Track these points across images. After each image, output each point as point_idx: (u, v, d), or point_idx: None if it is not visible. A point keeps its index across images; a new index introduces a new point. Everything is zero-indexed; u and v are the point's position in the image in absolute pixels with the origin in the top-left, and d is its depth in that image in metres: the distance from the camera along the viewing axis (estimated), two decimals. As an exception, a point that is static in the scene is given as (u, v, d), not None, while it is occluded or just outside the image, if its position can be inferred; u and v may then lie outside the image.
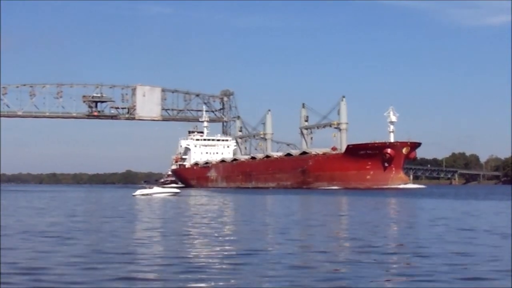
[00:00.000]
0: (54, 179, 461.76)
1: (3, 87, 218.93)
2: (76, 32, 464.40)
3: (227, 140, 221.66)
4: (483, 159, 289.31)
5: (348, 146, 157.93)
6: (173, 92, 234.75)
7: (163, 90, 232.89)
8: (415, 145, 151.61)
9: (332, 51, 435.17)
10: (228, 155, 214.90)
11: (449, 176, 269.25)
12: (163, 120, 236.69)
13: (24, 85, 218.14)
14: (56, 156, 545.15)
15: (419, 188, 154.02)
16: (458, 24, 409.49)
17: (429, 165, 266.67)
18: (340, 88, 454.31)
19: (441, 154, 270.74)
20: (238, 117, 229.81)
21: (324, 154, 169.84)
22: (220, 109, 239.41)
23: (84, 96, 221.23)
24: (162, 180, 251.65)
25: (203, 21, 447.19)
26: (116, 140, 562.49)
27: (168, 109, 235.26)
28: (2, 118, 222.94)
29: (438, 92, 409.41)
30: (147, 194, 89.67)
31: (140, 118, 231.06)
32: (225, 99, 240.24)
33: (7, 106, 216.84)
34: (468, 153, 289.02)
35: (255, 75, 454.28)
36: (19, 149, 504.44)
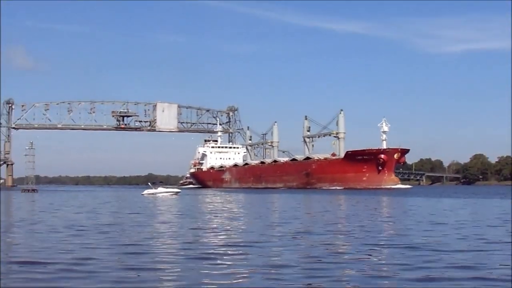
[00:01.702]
0: (88, 181, 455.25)
1: (46, 104, 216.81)
2: (106, 58, 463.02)
3: (237, 148, 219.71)
4: (446, 163, 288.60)
5: (347, 152, 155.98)
6: (187, 108, 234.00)
7: (179, 106, 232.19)
8: (404, 151, 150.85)
9: (328, 72, 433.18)
10: (239, 160, 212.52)
11: (418, 178, 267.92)
12: (179, 131, 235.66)
13: (63, 102, 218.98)
14: (89, 161, 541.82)
15: (408, 188, 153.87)
16: (422, 51, 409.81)
17: (401, 169, 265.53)
18: (337, 103, 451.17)
19: (411, 159, 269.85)
20: (248, 128, 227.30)
21: (325, 159, 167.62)
22: (227, 122, 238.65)
23: (113, 112, 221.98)
24: (181, 182, 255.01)
25: (213, 47, 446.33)
26: (140, 148, 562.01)
27: (183, 122, 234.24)
28: (45, 130, 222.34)
29: (407, 109, 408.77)
30: (153, 194, 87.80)
31: (160, 130, 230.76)
32: (231, 113, 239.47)
33: (49, 120, 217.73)
34: (433, 159, 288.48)
35: (263, 92, 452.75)
36: (58, 156, 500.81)
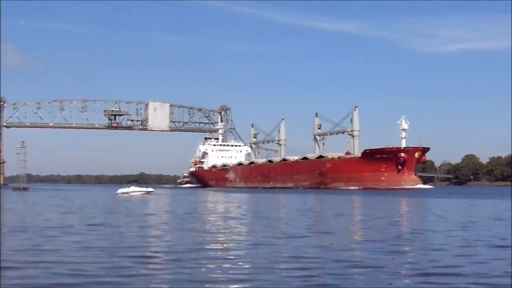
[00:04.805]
0: (79, 180, 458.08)
1: (37, 103, 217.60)
2: (99, 56, 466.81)
3: (240, 146, 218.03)
4: (437, 163, 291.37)
5: (364, 150, 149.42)
6: (179, 107, 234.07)
7: (171, 106, 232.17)
8: (425, 150, 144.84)
9: (339, 70, 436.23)
10: (241, 159, 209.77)
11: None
12: (171, 130, 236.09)
13: (55, 101, 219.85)
14: (81, 160, 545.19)
15: (429, 188, 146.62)
16: (417, 51, 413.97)
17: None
18: (347, 100, 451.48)
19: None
20: (252, 125, 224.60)
21: (339, 158, 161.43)
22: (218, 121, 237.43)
23: (105, 110, 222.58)
24: (179, 181, 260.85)
25: (208, 47, 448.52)
26: (131, 147, 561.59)
27: (175, 122, 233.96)
28: (36, 128, 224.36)
29: (398, 108, 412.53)
30: (125, 193, 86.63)
31: (152, 129, 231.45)
32: (223, 113, 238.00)
33: (41, 118, 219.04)
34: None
35: (270, 90, 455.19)
36: (50, 155, 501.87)
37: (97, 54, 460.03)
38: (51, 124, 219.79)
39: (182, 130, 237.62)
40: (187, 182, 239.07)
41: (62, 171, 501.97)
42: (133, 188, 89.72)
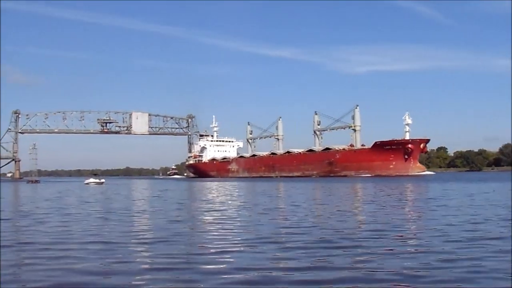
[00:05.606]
0: (78, 173, 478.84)
1: (45, 114, 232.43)
2: (92, 77, 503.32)
3: (232, 141, 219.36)
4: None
5: (375, 142, 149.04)
6: (156, 116, 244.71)
7: (149, 115, 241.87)
8: (427, 141, 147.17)
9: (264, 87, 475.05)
10: (233, 153, 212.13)
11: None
12: (150, 134, 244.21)
13: (59, 112, 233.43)
14: (80, 158, 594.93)
15: (432, 174, 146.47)
16: (338, 72, 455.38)
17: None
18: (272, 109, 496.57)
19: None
20: (248, 123, 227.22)
21: (343, 149, 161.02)
22: (187, 126, 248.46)
23: (98, 119, 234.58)
24: (168, 173, 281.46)
25: (180, 67, 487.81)
26: (119, 147, 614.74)
27: (153, 127, 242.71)
28: (45, 134, 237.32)
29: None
30: (87, 183, 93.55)
31: (135, 133, 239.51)
32: (190, 120, 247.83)
33: (48, 126, 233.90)
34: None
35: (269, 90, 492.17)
36: (55, 154, 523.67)
37: (91, 75, 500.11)
38: (56, 130, 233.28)
39: (158, 134, 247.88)
40: (175, 174, 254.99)
41: (65, 167, 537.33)
42: (91, 180, 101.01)
